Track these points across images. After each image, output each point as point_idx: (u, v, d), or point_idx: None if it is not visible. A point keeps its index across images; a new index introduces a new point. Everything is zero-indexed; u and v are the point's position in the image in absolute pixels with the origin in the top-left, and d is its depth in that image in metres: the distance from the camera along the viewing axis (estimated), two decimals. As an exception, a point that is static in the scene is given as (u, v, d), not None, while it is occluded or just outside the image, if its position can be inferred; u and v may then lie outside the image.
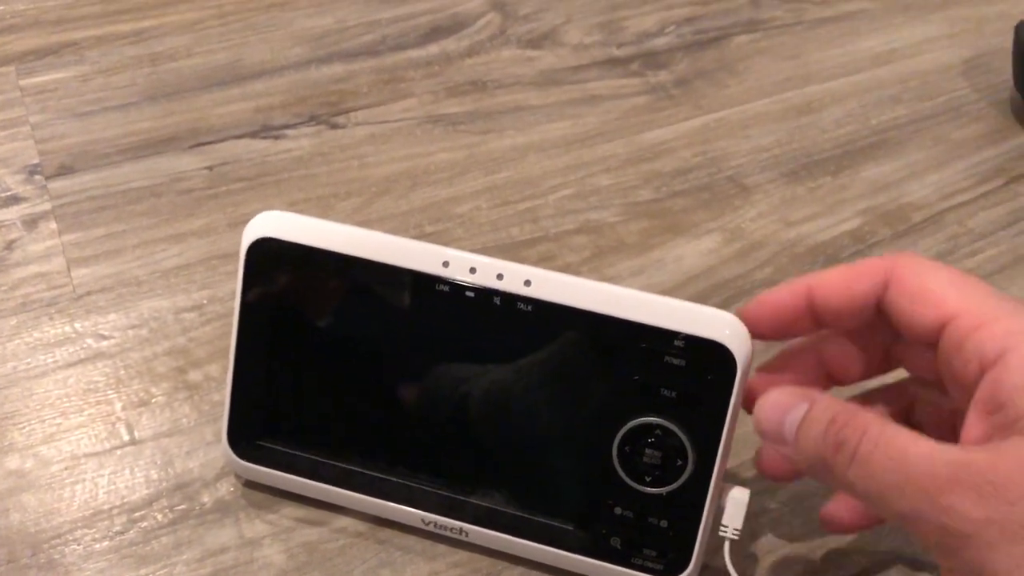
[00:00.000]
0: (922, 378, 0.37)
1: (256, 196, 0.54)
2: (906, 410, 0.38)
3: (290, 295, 0.39)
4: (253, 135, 0.58)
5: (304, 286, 0.39)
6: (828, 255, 0.53)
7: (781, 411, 0.33)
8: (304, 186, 0.55)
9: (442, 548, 0.39)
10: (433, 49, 0.64)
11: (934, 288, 0.33)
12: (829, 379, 0.38)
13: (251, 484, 0.41)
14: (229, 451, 0.40)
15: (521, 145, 0.58)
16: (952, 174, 0.58)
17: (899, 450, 0.30)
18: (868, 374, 0.38)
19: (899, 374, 0.38)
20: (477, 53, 0.64)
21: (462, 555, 0.39)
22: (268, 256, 0.38)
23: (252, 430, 0.40)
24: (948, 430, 0.35)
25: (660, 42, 0.66)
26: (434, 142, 0.58)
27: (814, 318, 0.36)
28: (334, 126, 0.59)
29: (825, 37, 0.68)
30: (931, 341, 0.33)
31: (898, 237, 0.54)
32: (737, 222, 0.54)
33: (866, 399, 0.39)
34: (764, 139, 0.59)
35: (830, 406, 0.32)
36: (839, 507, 0.38)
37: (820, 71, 0.65)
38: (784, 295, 0.36)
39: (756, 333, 0.36)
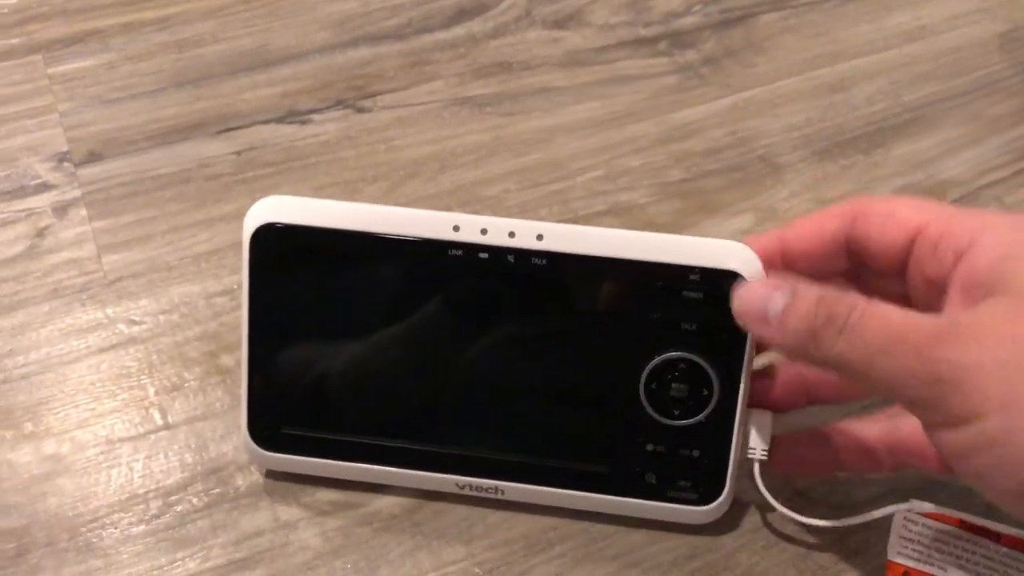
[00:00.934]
0: None
1: (284, 181, 0.54)
2: None
3: (300, 278, 0.38)
4: (280, 120, 0.58)
5: (313, 267, 0.38)
6: (862, 234, 0.52)
7: (764, 296, 0.34)
8: (331, 170, 0.55)
9: (478, 530, 0.39)
10: (459, 31, 0.64)
11: (900, 210, 0.35)
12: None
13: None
14: (252, 444, 0.40)
15: (549, 127, 0.58)
16: (988, 151, 0.57)
17: (888, 317, 0.31)
18: None
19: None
20: (503, 35, 0.64)
21: (498, 538, 0.39)
22: (273, 242, 0.38)
23: (274, 419, 0.39)
24: None
25: (687, 21, 0.65)
26: (461, 124, 0.58)
27: (787, 267, 0.37)
28: (360, 110, 0.59)
29: (853, 14, 0.67)
30: (901, 262, 0.35)
31: (933, 215, 0.53)
32: (769, 202, 0.53)
33: None
34: (795, 117, 0.59)
35: (816, 289, 0.33)
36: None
37: (849, 48, 0.64)
38: (756, 245, 0.37)
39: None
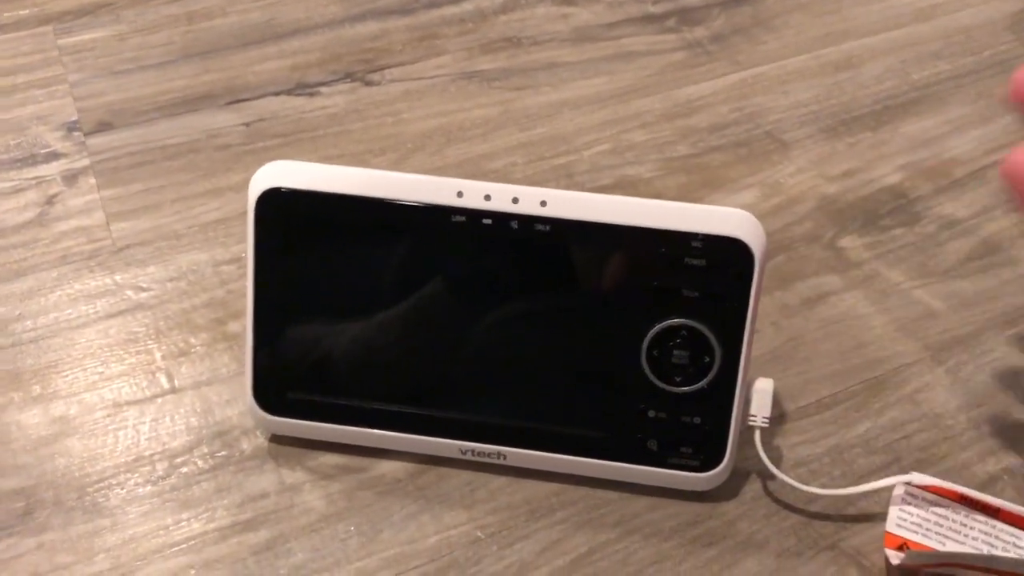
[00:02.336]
0: None
1: (292, 152, 0.54)
2: None
3: (305, 244, 0.39)
4: (289, 92, 0.58)
5: (318, 232, 0.39)
6: (868, 210, 0.52)
7: None
8: (339, 142, 0.55)
9: (481, 494, 0.40)
10: (467, 6, 0.64)
11: None
12: None
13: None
14: (257, 409, 0.40)
15: (556, 101, 0.58)
16: (995, 129, 0.57)
17: None
18: None
19: None
20: (511, 10, 0.64)
21: (500, 503, 0.39)
22: (278, 207, 0.38)
23: (279, 384, 0.40)
24: None
25: (696, -1, 0.65)
26: (468, 98, 0.58)
27: None
28: (369, 83, 0.59)
29: (865, -7, 0.66)
30: None
31: (940, 192, 0.53)
32: (776, 177, 0.53)
33: None
34: (802, 94, 0.59)
35: None
36: None
37: (859, 27, 0.64)
38: None
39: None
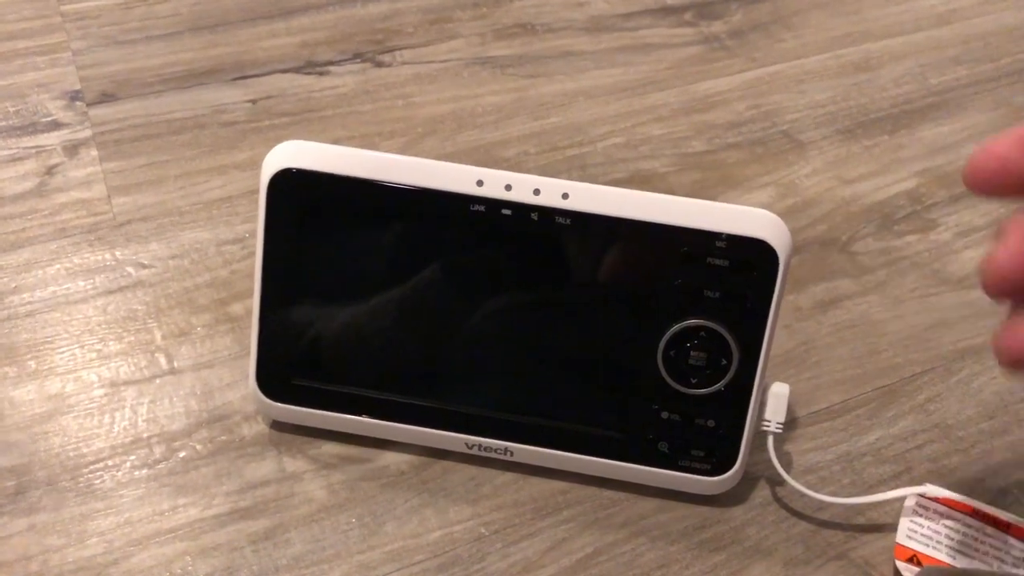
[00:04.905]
0: None
1: (299, 132, 0.53)
2: None
3: (317, 228, 0.38)
4: (297, 70, 0.57)
5: (332, 216, 0.37)
6: (884, 214, 0.51)
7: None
8: (348, 123, 0.54)
9: (486, 490, 0.39)
10: (482, -10, 0.63)
11: None
12: None
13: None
14: (259, 394, 0.39)
15: (570, 91, 0.57)
16: (1013, 138, 0.56)
17: None
18: None
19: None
20: (527, -4, 0.63)
21: (506, 499, 0.39)
22: (291, 188, 0.37)
23: (284, 370, 0.39)
24: None
25: (714, -7, 0.64)
26: (481, 84, 0.57)
27: None
28: (379, 64, 0.58)
29: (884, -6, 0.66)
30: None
31: (955, 200, 0.52)
32: (791, 178, 0.53)
33: None
34: (820, 95, 0.58)
35: None
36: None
37: (878, 28, 0.63)
38: (1007, 145, 0.30)
39: (979, 189, 0.31)
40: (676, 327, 0.37)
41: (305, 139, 0.53)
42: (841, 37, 0.62)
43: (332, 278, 0.38)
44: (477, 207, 0.36)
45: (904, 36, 0.62)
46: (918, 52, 0.61)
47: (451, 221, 0.37)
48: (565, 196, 0.36)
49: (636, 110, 0.56)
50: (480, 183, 0.36)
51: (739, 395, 0.37)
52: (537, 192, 0.36)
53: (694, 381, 0.37)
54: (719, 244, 0.35)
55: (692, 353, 0.37)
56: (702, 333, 0.36)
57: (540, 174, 0.51)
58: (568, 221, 0.36)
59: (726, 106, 0.56)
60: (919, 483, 0.39)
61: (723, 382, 0.37)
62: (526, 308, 0.37)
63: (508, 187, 0.36)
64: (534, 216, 0.36)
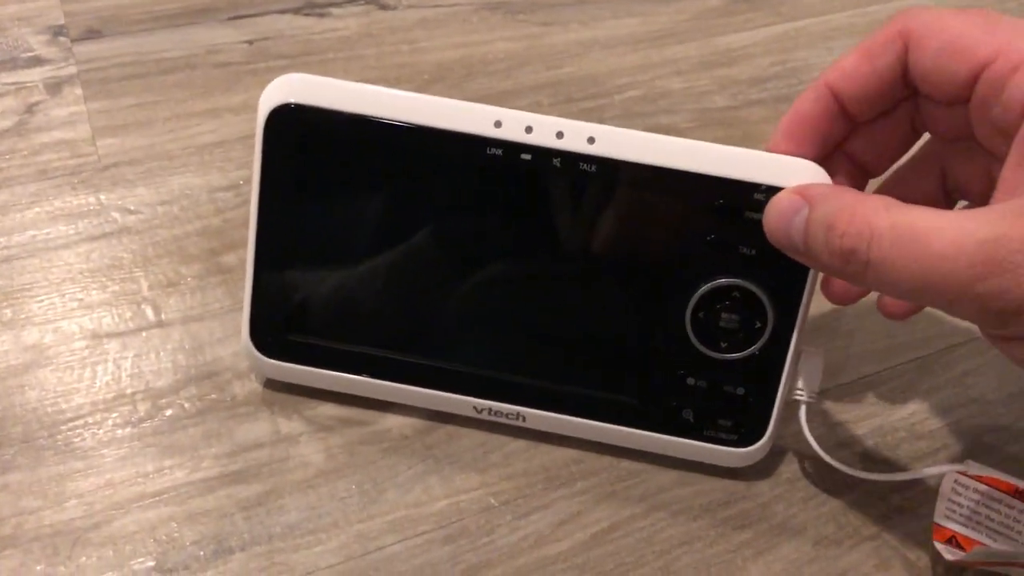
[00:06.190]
0: (952, 137, 0.33)
1: (298, 75, 0.50)
2: (940, 178, 0.35)
3: (319, 170, 0.34)
4: (296, 11, 0.53)
5: (335, 159, 0.34)
6: (916, 178, 0.48)
7: (786, 218, 0.30)
8: (350, 68, 0.51)
9: (495, 457, 0.36)
10: (493, -67, 0.60)
11: (960, 38, 0.30)
12: (863, 175, 0.35)
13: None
14: (253, 350, 0.36)
15: (586, 40, 0.54)
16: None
17: (919, 244, 0.26)
18: (899, 155, 0.35)
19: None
20: (541, -60, 0.59)
21: (516, 468, 0.36)
22: (291, 126, 0.34)
23: (280, 324, 0.36)
24: (986, 184, 0.32)
25: (737, -57, 0.61)
26: (492, 30, 0.53)
27: (845, 116, 0.33)
28: (383, 7, 0.54)
29: (913, -49, 0.63)
30: (963, 97, 0.30)
31: (990, 165, 0.50)
32: (819, 136, 0.50)
33: (896, 179, 0.36)
34: (848, 52, 0.55)
35: (827, 210, 0.29)
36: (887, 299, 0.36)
37: (908, -14, 0.60)
38: (807, 104, 0.33)
39: (798, 154, 0.33)
40: (707, 286, 0.34)
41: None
42: (870, -8, 0.59)
43: (333, 226, 0.35)
44: (494, 150, 0.33)
45: (936, -6, 0.59)
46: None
47: (464, 165, 0.33)
48: (591, 140, 0.33)
49: (655, 62, 0.53)
50: (498, 124, 0.33)
51: (772, 361, 0.34)
52: (560, 135, 0.33)
53: (724, 345, 0.34)
54: (757, 196, 0.32)
55: (723, 315, 0.34)
56: (735, 293, 0.34)
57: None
58: (593, 168, 0.33)
59: (749, 61, 0.53)
60: (956, 461, 0.37)
61: (756, 346, 0.34)
62: (544, 263, 0.34)
63: (528, 129, 0.33)
64: (556, 162, 0.33)
